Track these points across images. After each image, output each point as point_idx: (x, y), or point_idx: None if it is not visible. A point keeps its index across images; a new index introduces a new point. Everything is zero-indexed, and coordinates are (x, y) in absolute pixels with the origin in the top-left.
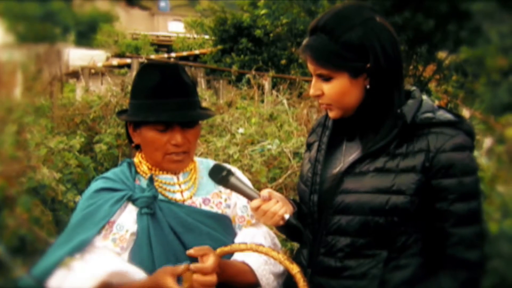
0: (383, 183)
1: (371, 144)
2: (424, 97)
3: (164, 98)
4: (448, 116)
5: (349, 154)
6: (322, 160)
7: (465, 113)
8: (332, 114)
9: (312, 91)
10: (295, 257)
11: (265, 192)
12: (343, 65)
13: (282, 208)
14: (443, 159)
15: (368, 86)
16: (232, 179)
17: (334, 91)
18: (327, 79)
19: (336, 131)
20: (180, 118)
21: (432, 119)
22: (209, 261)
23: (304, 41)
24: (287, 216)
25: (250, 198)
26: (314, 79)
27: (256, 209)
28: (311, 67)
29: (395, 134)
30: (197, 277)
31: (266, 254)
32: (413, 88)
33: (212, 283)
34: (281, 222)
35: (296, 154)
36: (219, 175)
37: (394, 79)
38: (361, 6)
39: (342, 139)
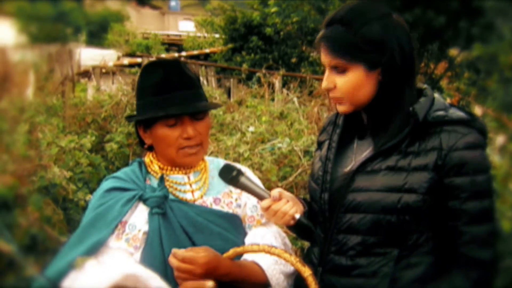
0: (395, 181)
1: (383, 142)
2: (436, 95)
3: (170, 92)
4: (461, 114)
5: (360, 153)
6: (332, 158)
7: (477, 110)
8: (341, 108)
9: (324, 84)
10: (306, 256)
11: (275, 192)
12: (360, 56)
13: (292, 208)
14: (456, 157)
15: (382, 80)
16: (242, 179)
17: (348, 84)
18: (341, 71)
19: (347, 129)
20: (188, 110)
21: (445, 117)
22: (201, 254)
23: (320, 33)
24: (297, 216)
25: (260, 198)
26: (327, 72)
27: (266, 209)
28: (325, 58)
29: (407, 132)
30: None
31: (278, 256)
32: (425, 86)
33: (192, 273)
34: (292, 222)
35: (306, 152)
36: (229, 175)
37: (407, 76)
38: (377, 3)
39: (353, 138)
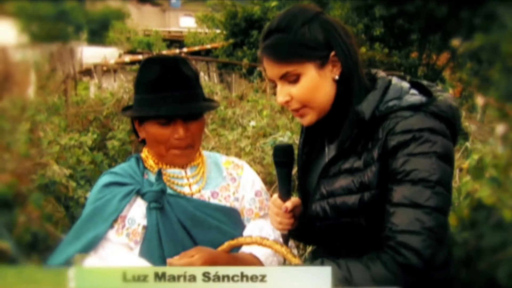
0: (353, 183)
1: (337, 145)
2: (394, 81)
3: (163, 92)
4: (414, 99)
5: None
6: (302, 166)
7: (480, 100)
8: (307, 120)
9: (280, 98)
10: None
11: (288, 204)
12: (308, 54)
13: (280, 225)
14: (392, 141)
15: (337, 77)
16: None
17: (304, 89)
18: (293, 80)
19: (316, 135)
20: (180, 111)
21: (393, 106)
22: (196, 256)
23: (261, 46)
24: (285, 232)
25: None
26: (279, 86)
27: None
28: (274, 70)
29: (356, 133)
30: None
31: (269, 247)
32: (381, 74)
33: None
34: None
35: None
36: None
37: (354, 71)
38: (306, 6)
39: (324, 142)
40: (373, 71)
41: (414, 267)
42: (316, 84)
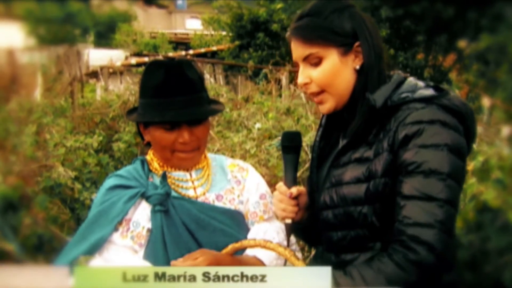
0: (361, 172)
1: (348, 134)
2: (410, 78)
3: (168, 97)
4: (427, 92)
5: None
6: (316, 158)
7: (486, 102)
8: (326, 107)
9: (300, 79)
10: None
11: (294, 190)
12: (332, 38)
13: (284, 212)
14: (403, 131)
15: (358, 67)
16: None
17: (325, 73)
18: (316, 63)
19: (332, 129)
20: (185, 117)
21: (406, 98)
22: (200, 259)
23: (291, 28)
24: (288, 221)
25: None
26: (301, 67)
27: (286, 195)
28: (298, 51)
29: (368, 122)
30: None
31: (273, 250)
32: (397, 72)
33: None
34: (287, 221)
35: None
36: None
37: (376, 64)
38: None
39: (339, 136)
40: (392, 72)
41: (427, 262)
42: (336, 69)
